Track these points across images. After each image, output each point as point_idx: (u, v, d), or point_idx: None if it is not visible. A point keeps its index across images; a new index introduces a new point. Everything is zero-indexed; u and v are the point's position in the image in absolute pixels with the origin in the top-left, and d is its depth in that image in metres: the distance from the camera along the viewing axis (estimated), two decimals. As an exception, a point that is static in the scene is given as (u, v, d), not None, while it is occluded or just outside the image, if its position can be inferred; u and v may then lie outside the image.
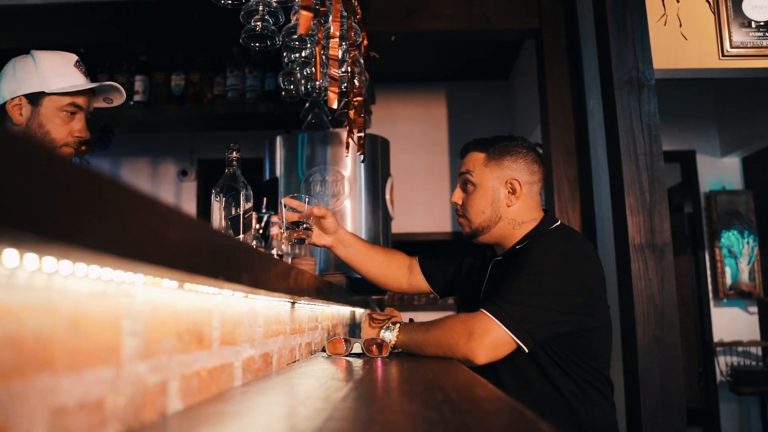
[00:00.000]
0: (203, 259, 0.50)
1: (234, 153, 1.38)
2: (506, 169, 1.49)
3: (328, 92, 1.67)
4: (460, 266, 1.74)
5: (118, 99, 1.65)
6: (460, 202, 1.55)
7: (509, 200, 1.48)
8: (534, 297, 1.30)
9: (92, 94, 1.57)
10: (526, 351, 1.31)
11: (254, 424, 0.58)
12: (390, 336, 1.44)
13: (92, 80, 1.58)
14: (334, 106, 1.71)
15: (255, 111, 3.06)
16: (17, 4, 2.76)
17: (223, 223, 1.34)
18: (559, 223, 1.51)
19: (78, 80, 1.53)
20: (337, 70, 1.70)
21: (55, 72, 1.48)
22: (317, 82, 2.10)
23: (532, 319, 1.29)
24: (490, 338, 1.29)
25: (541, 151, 3.26)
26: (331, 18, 1.67)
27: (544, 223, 1.50)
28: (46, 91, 1.47)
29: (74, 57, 1.54)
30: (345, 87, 1.94)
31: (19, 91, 1.46)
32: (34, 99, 1.47)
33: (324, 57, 1.69)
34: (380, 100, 4.10)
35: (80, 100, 1.52)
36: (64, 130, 1.49)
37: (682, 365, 2.16)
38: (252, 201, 1.40)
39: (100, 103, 1.62)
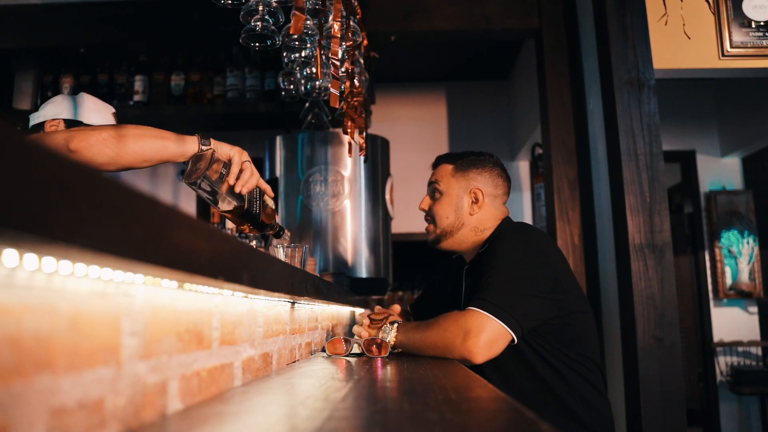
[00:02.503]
0: (203, 259, 0.50)
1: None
2: (471, 180, 1.58)
3: (330, 92, 1.68)
4: (433, 288, 1.83)
5: None
6: (426, 209, 1.64)
7: (472, 209, 1.57)
8: (511, 289, 1.34)
9: None
10: (515, 341, 1.32)
11: (254, 424, 0.58)
12: (388, 337, 1.44)
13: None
14: (337, 105, 1.72)
15: (255, 111, 3.06)
16: (17, 4, 2.76)
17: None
18: (516, 223, 1.59)
19: (111, 122, 1.73)
20: (339, 70, 1.71)
21: (96, 111, 1.71)
22: (317, 82, 2.10)
23: (517, 308, 1.31)
24: (487, 335, 1.29)
25: (540, 152, 3.26)
26: (331, 17, 1.67)
27: (501, 225, 1.57)
28: (84, 121, 1.67)
29: (113, 110, 1.78)
30: (344, 87, 1.94)
31: (61, 115, 1.67)
32: (71, 125, 1.66)
33: (324, 57, 1.69)
34: (380, 100, 4.10)
35: None
36: None
37: (682, 365, 2.16)
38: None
39: None
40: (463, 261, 1.66)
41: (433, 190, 1.63)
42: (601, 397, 1.42)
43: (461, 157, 1.62)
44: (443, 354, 1.34)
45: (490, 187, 1.58)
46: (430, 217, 1.62)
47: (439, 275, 1.84)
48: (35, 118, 1.70)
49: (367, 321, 1.52)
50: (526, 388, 1.39)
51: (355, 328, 1.55)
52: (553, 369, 1.37)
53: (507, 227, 1.54)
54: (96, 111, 1.70)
